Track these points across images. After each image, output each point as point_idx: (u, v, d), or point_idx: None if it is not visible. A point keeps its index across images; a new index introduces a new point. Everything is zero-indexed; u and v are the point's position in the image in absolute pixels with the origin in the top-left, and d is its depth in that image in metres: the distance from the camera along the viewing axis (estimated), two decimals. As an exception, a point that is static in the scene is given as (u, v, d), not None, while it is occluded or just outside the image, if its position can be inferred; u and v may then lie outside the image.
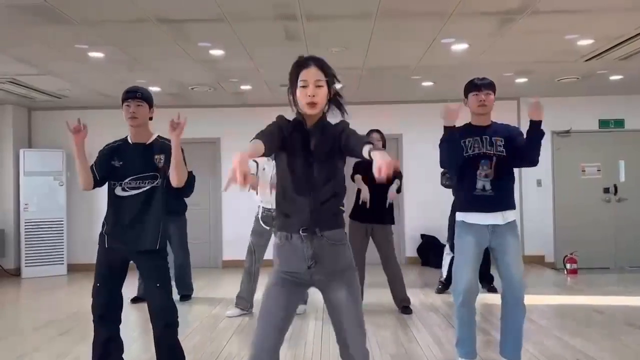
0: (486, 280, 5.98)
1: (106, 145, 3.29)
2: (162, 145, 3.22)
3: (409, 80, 7.02)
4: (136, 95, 3.19)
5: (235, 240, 8.36)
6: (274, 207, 3.97)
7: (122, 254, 3.21)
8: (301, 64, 2.19)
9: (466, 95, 3.46)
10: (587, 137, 8.44)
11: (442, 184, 6.20)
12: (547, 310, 5.30)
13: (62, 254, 8.26)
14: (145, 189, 3.17)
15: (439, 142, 3.46)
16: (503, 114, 8.35)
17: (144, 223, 3.16)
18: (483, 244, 3.35)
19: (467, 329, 3.41)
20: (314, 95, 2.14)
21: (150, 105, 3.25)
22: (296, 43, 5.22)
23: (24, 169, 8.09)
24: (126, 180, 3.17)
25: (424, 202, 8.16)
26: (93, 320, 3.24)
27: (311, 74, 2.15)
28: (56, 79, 6.64)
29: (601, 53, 5.74)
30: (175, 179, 3.11)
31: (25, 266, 8.02)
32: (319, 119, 2.23)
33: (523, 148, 3.31)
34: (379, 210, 5.14)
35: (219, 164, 8.63)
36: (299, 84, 2.16)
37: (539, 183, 8.47)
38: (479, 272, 3.45)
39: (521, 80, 7.12)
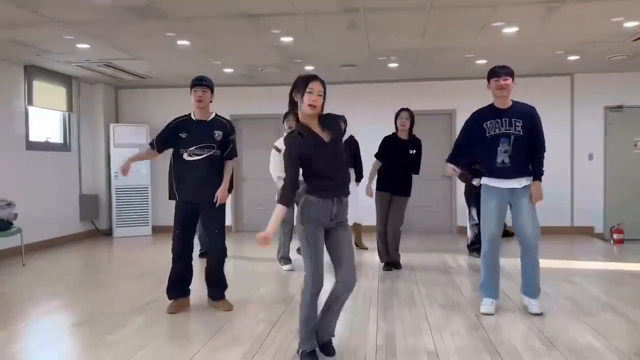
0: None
1: (173, 120, 4.32)
2: (220, 123, 4.32)
3: (463, 58, 7.46)
4: (202, 84, 4.27)
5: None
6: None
7: (193, 206, 4.27)
8: (310, 78, 3.06)
9: (488, 81, 4.13)
10: (640, 112, 8.61)
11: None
12: (587, 274, 5.73)
13: (147, 217, 9.33)
14: (204, 155, 4.22)
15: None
16: (558, 89, 8.73)
17: (207, 182, 4.21)
18: (504, 202, 4.12)
19: (491, 273, 4.21)
20: (315, 100, 3.03)
21: (212, 91, 4.31)
22: (357, 31, 5.82)
23: (114, 142, 9.13)
24: (191, 148, 4.21)
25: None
26: (172, 259, 4.34)
27: (316, 86, 3.04)
28: (145, 62, 7.53)
29: (648, 33, 6.01)
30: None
31: (117, 227, 9.13)
32: (318, 118, 3.11)
33: (532, 151, 4.08)
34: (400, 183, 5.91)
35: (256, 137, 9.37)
36: (307, 90, 3.02)
37: (590, 157, 8.74)
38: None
39: (573, 58, 7.41)
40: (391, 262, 6.03)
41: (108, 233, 9.30)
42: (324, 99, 3.09)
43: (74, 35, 6.01)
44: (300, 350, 3.18)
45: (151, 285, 5.43)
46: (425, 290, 5.01)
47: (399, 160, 5.83)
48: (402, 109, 5.96)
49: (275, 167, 5.81)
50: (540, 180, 4.08)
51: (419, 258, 6.68)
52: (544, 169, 4.12)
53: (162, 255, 7.35)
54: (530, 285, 4.18)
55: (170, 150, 4.35)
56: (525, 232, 4.09)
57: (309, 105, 3.03)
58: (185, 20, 5.48)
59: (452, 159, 4.33)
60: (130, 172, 4.35)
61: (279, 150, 5.69)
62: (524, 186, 4.08)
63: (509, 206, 4.16)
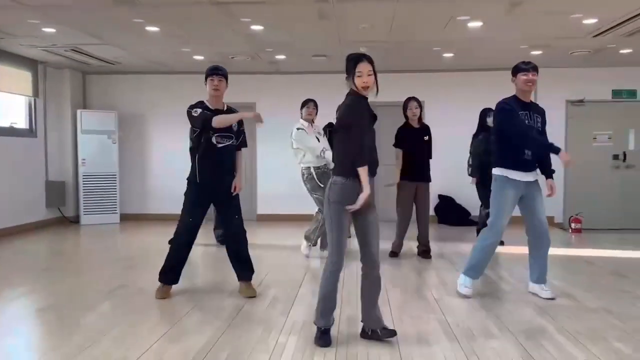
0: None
1: (196, 105, 4.28)
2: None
3: (431, 51, 7.61)
4: (219, 73, 4.30)
5: (269, 197, 9.26)
6: (321, 165, 5.76)
7: (209, 192, 4.32)
8: (358, 59, 3.13)
9: (515, 75, 4.29)
10: (600, 106, 8.93)
11: (469, 174, 6.92)
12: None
13: (115, 204, 9.26)
14: (226, 144, 4.30)
15: (498, 108, 4.31)
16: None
17: (227, 169, 4.35)
18: (518, 194, 4.26)
19: (485, 259, 4.39)
20: (366, 82, 3.12)
21: (227, 80, 4.33)
22: (327, 22, 5.89)
23: (81, 128, 9.02)
24: (217, 134, 4.25)
25: (443, 166, 8.82)
26: (175, 240, 4.41)
27: (365, 67, 3.11)
28: (113, 48, 7.45)
29: (606, 30, 6.25)
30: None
31: (84, 214, 9.05)
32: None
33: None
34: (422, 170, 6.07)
35: (253, 126, 9.39)
36: (357, 73, 3.12)
37: (551, 149, 9.02)
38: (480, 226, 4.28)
39: (536, 52, 7.63)
40: (421, 251, 6.12)
41: (75, 220, 9.21)
42: (376, 76, 3.16)
43: (39, 19, 5.93)
44: (316, 327, 3.31)
45: (119, 271, 5.45)
46: (390, 274, 5.16)
47: (416, 148, 5.97)
48: (409, 98, 6.07)
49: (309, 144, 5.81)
50: (553, 178, 4.38)
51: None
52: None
53: (131, 243, 7.38)
54: (543, 272, 4.41)
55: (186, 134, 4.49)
56: (541, 223, 4.29)
57: (362, 87, 3.14)
58: (154, 7, 5.46)
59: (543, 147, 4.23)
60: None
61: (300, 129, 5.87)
62: (536, 179, 4.32)
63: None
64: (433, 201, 9.07)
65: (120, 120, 9.28)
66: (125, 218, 9.30)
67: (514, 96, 4.32)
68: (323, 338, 3.26)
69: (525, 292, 4.53)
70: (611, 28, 6.13)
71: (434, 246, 6.38)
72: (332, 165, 5.15)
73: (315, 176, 5.85)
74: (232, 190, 4.37)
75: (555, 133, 8.97)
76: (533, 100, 4.44)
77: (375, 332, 3.35)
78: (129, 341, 3.37)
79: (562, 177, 9.05)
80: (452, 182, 8.82)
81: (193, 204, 4.34)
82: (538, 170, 4.35)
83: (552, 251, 6.46)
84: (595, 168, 8.94)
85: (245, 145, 4.55)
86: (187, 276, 4.84)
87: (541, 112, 4.35)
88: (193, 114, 4.21)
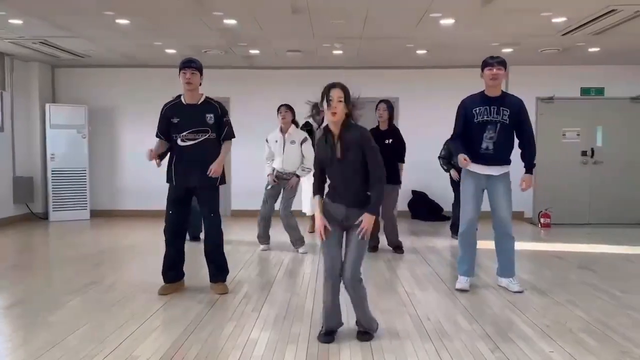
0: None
1: (164, 106, 4.28)
2: (210, 106, 4.28)
3: (404, 47, 7.65)
4: (191, 65, 4.21)
5: (243, 193, 9.21)
6: (283, 169, 5.94)
7: (188, 188, 4.28)
8: (329, 86, 3.18)
9: (482, 70, 4.34)
10: (569, 103, 9.10)
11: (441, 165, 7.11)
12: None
13: (85, 200, 9.09)
14: (199, 139, 4.21)
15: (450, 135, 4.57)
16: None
17: (203, 166, 4.20)
18: (480, 187, 4.37)
19: (467, 251, 4.48)
20: (335, 107, 3.11)
21: (201, 73, 4.23)
22: (301, 16, 5.87)
23: (49, 122, 8.82)
24: (184, 133, 4.21)
25: (416, 162, 8.89)
26: (165, 240, 4.35)
27: (336, 92, 3.13)
28: (83, 41, 7.30)
29: (575, 29, 6.37)
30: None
31: (53, 210, 8.86)
32: (343, 125, 3.19)
33: (521, 144, 4.38)
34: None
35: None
36: (328, 99, 3.12)
37: (522, 145, 9.18)
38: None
39: (507, 50, 7.74)
40: (394, 247, 6.16)
41: (44, 217, 9.01)
42: (347, 102, 3.15)
43: (5, 11, 5.77)
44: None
45: (89, 268, 5.36)
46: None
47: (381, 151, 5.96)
48: (380, 101, 6.12)
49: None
50: (532, 172, 4.35)
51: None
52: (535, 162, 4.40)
53: (101, 240, 7.26)
54: (509, 266, 4.50)
55: None
56: (501, 219, 4.37)
57: (331, 115, 3.13)
58: (124, -2, 5.37)
59: (459, 148, 4.38)
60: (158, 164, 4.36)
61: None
62: (502, 174, 4.31)
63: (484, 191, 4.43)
64: (407, 197, 9.15)
65: (90, 114, 9.10)
66: (95, 214, 9.14)
67: (482, 91, 4.39)
68: (323, 337, 3.31)
69: (494, 286, 4.60)
70: (580, 26, 6.25)
71: (406, 241, 6.44)
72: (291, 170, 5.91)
73: (271, 180, 6.08)
74: (215, 189, 4.34)
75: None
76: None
77: (360, 332, 3.41)
78: (98, 338, 3.32)
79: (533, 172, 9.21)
80: (425, 178, 8.91)
81: (171, 198, 4.36)
82: (508, 166, 4.38)
83: (522, 246, 6.64)
84: (564, 164, 9.12)
85: (232, 136, 4.41)
86: (158, 271, 4.79)
87: (512, 105, 4.31)
88: (158, 122, 4.34)
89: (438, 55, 8.03)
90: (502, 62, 4.29)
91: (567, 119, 9.15)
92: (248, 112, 8.94)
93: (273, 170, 6.09)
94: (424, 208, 9.12)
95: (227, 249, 4.63)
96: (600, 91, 9.08)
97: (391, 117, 6.08)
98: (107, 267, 5.47)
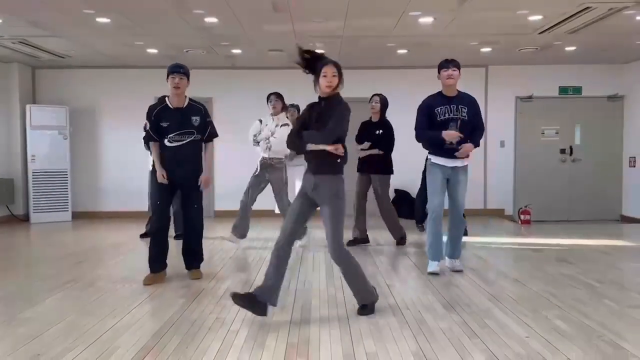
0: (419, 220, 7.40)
1: (150, 110, 4.51)
2: (195, 109, 4.55)
3: (385, 47, 7.73)
4: (180, 71, 4.46)
5: (226, 194, 9.20)
6: (269, 156, 6.00)
7: (172, 184, 4.52)
8: (324, 63, 3.50)
9: (439, 72, 4.72)
10: (548, 102, 9.26)
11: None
12: (492, 250, 6.18)
13: (67, 202, 9.02)
14: (185, 141, 4.48)
15: (418, 132, 4.82)
16: (473, 80, 9.23)
17: (188, 164, 4.52)
18: (445, 176, 4.72)
19: (435, 238, 4.75)
20: (330, 81, 3.48)
21: (188, 78, 4.49)
22: (282, 15, 5.91)
23: (30, 123, 8.75)
24: (171, 135, 4.46)
25: (398, 161, 8.97)
26: (151, 231, 4.66)
27: (329, 69, 3.47)
28: (64, 40, 7.26)
29: (551, 27, 6.49)
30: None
31: (34, 212, 8.78)
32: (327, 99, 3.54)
33: (473, 130, 4.72)
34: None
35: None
36: (322, 74, 3.47)
37: (502, 144, 9.33)
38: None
39: (486, 49, 7.86)
40: (397, 239, 6.36)
41: (25, 219, 8.93)
42: (340, 78, 3.53)
43: (-16, 8, 5.74)
44: None
45: (69, 267, 5.33)
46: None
47: (369, 141, 6.21)
48: (373, 94, 6.37)
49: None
50: (474, 145, 4.68)
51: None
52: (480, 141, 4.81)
53: (82, 240, 7.21)
54: (458, 248, 4.96)
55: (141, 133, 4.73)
56: (458, 204, 4.78)
57: (326, 86, 3.48)
58: (104, -4, 5.37)
59: (434, 133, 4.67)
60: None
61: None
62: (464, 165, 4.70)
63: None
64: (390, 195, 9.19)
65: (71, 115, 9.05)
66: (77, 216, 9.08)
67: (439, 92, 4.75)
68: (240, 298, 3.46)
69: (473, 277, 4.68)
70: (556, 25, 6.38)
71: (389, 237, 6.50)
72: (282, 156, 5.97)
73: (258, 167, 6.14)
74: (198, 184, 4.57)
75: (505, 128, 9.30)
76: (483, 95, 4.73)
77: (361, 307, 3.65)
78: (78, 331, 3.32)
79: (512, 170, 9.36)
80: (407, 178, 8.95)
81: (157, 189, 4.57)
82: (468, 159, 4.75)
83: (502, 240, 6.77)
84: (543, 162, 9.28)
85: (215, 136, 4.73)
86: (139, 268, 4.80)
87: (469, 103, 4.70)
88: (145, 126, 4.54)
89: (418, 55, 8.11)
90: (457, 65, 4.66)
91: (546, 118, 9.31)
92: (230, 112, 8.94)
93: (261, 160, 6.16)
94: (406, 206, 9.17)
95: (210, 246, 4.68)
96: (578, 90, 9.26)
97: (383, 110, 6.30)
98: (88, 266, 5.44)
